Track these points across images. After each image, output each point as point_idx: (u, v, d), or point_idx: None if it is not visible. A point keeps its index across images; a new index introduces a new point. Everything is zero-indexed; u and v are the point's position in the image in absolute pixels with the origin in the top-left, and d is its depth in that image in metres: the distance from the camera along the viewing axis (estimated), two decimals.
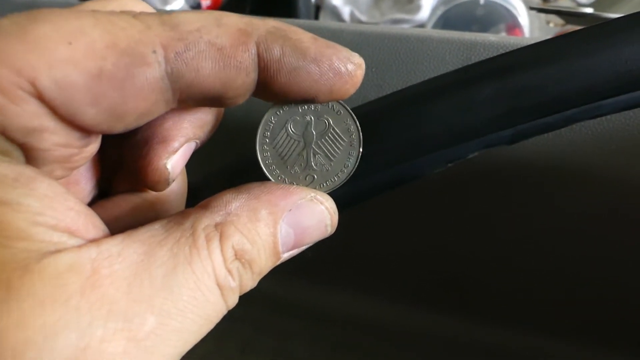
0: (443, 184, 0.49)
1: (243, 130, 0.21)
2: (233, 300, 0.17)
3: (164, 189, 0.20)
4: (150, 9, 0.19)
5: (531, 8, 0.68)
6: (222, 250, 0.16)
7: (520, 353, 0.58)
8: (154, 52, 0.15)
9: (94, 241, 0.15)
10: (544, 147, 0.44)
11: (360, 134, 0.20)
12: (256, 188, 0.18)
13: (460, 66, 0.25)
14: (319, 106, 0.19)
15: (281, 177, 0.20)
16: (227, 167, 0.28)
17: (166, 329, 0.14)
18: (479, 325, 0.59)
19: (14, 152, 0.16)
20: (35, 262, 0.13)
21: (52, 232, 0.14)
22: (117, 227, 0.16)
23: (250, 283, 0.17)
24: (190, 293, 0.15)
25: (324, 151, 0.20)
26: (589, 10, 0.58)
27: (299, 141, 0.20)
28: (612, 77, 0.21)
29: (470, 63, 0.25)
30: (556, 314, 0.56)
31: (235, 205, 0.17)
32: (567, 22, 0.68)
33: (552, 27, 0.74)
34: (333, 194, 0.20)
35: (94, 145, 0.18)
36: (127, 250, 0.15)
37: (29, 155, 0.16)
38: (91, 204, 0.21)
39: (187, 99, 0.17)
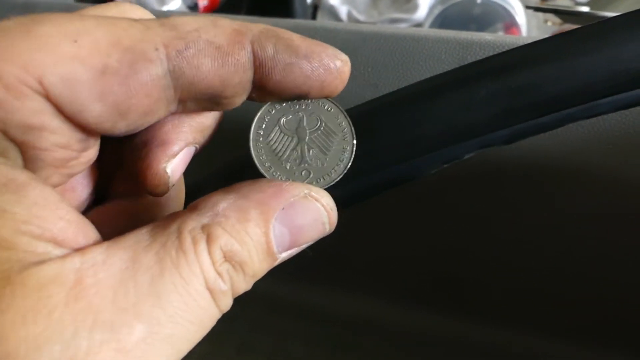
0: (442, 184, 0.48)
1: (240, 132, 0.21)
2: (226, 304, 0.16)
3: (163, 194, 0.19)
4: (149, 15, 0.19)
5: (528, 7, 0.68)
6: (209, 252, 0.15)
7: (520, 353, 0.58)
8: (156, 49, 0.16)
9: (78, 250, 0.14)
10: (540, 147, 0.43)
11: (352, 128, 0.20)
12: (245, 187, 0.17)
13: (456, 65, 0.25)
14: (311, 104, 0.20)
15: (276, 174, 0.20)
16: (223, 168, 0.28)
17: (156, 337, 0.14)
18: (479, 326, 0.59)
19: (12, 153, 0.15)
20: (17, 274, 0.13)
21: (36, 242, 0.14)
22: (112, 234, 0.16)
23: (244, 286, 0.17)
24: (179, 298, 0.14)
25: (318, 146, 0.20)
26: (586, 9, 0.58)
27: (292, 137, 0.20)
28: (609, 77, 0.21)
29: (466, 62, 0.25)
30: (556, 314, 0.56)
31: (223, 206, 0.16)
32: (565, 21, 0.68)
33: (550, 26, 0.74)
34: (330, 194, 0.19)
35: (92, 151, 0.18)
36: (112, 258, 0.14)
37: (27, 157, 0.16)
38: (87, 210, 0.21)
39: (187, 98, 0.17)
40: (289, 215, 0.17)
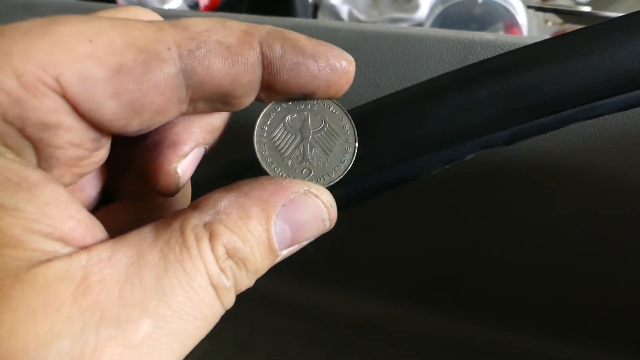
0: (442, 185, 0.48)
1: (243, 133, 0.21)
2: (229, 300, 0.16)
3: (174, 194, 0.20)
4: (159, 18, 0.19)
5: (529, 7, 0.68)
6: (212, 249, 0.16)
7: (520, 353, 0.58)
8: (169, 49, 0.16)
9: (84, 248, 0.15)
10: (541, 148, 0.44)
11: (355, 131, 0.20)
12: (246, 185, 0.17)
13: (458, 65, 0.25)
14: (316, 105, 0.20)
15: (278, 170, 0.20)
16: (227, 165, 0.28)
17: (162, 333, 0.14)
18: (479, 326, 0.59)
19: (27, 152, 0.16)
20: (26, 271, 0.13)
21: (45, 240, 0.14)
22: (120, 233, 0.16)
23: (246, 282, 0.17)
24: (184, 294, 0.15)
25: (320, 145, 0.20)
26: (587, 8, 0.58)
27: (296, 135, 0.20)
28: (609, 78, 0.21)
29: (467, 62, 0.25)
30: (556, 314, 0.56)
31: (225, 204, 0.17)
32: (566, 20, 0.68)
33: (550, 25, 0.73)
34: (332, 194, 0.19)
35: (103, 151, 0.18)
36: (117, 255, 0.15)
37: (42, 155, 0.16)
38: (95, 210, 0.21)
39: (198, 98, 0.18)
40: (289, 212, 0.18)
